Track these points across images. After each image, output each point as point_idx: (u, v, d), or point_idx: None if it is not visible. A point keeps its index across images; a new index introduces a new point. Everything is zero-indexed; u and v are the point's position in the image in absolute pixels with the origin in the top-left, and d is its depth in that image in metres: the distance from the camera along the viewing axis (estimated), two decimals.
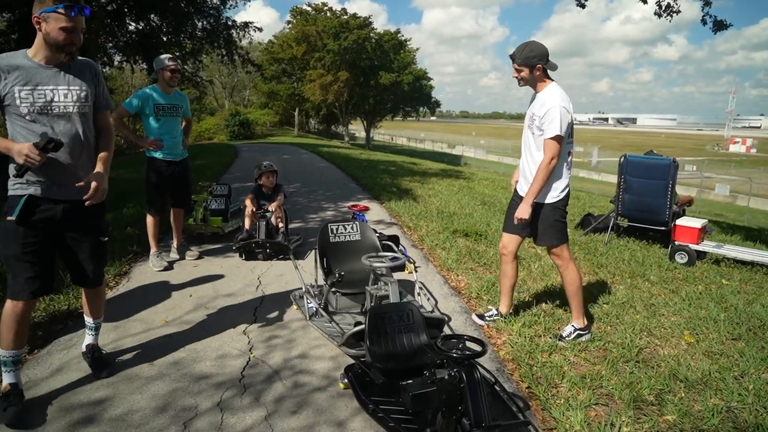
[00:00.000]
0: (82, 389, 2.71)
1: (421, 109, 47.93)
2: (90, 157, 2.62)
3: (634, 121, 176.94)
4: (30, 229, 2.45)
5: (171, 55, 4.63)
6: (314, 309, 3.43)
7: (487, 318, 3.71)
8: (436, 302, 3.37)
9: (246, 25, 20.12)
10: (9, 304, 2.48)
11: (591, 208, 9.18)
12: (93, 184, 2.49)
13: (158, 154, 4.68)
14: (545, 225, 3.38)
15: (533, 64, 3.21)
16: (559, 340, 3.37)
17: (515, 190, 3.60)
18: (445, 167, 19.06)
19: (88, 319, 2.93)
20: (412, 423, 2.28)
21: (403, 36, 42.83)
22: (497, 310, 3.76)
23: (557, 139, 3.15)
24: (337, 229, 3.89)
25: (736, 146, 56.26)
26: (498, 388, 2.51)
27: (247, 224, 5.19)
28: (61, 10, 2.32)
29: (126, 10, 17.08)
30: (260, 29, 20.85)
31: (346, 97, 39.46)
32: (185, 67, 20.21)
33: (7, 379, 2.51)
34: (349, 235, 3.90)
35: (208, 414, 2.51)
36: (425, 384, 2.27)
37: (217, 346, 3.23)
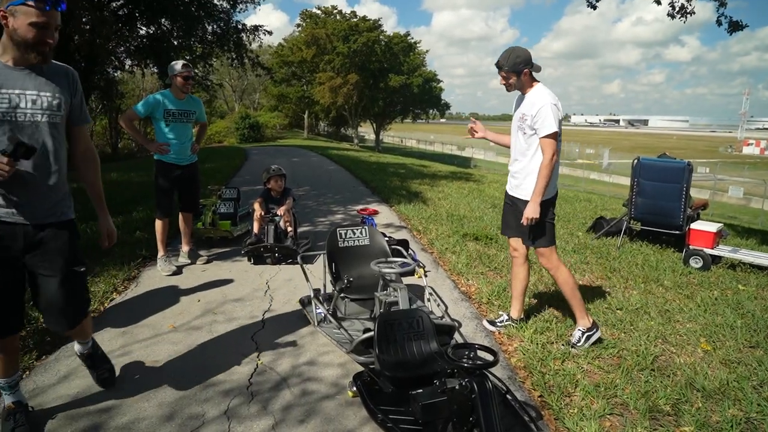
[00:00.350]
0: (89, 397, 2.69)
1: (431, 111, 47.90)
2: (60, 176, 2.27)
3: (645, 122, 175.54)
4: None
5: (184, 62, 4.63)
6: (323, 315, 3.39)
7: (498, 324, 3.65)
8: (447, 308, 3.32)
9: (256, 28, 20.24)
10: None
11: (603, 211, 9.08)
12: (105, 235, 2.47)
13: (165, 158, 4.67)
14: (535, 224, 3.34)
15: (520, 70, 3.24)
16: (572, 347, 3.31)
17: (506, 191, 3.59)
18: (455, 169, 18.98)
19: (77, 346, 2.71)
20: None
21: (412, 38, 42.94)
22: (508, 315, 3.70)
23: (554, 136, 3.18)
24: (346, 234, 3.86)
25: (750, 148, 55.59)
26: (510, 397, 2.45)
27: (255, 228, 5.18)
28: (31, 3, 2.01)
29: (137, 14, 17.24)
30: (270, 32, 20.96)
31: (355, 99, 39.52)
32: (195, 71, 20.38)
33: (10, 399, 2.41)
34: (358, 240, 3.87)
35: (215, 422, 2.48)
36: (435, 394, 2.22)
37: (225, 352, 3.20)
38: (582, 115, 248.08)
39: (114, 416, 2.52)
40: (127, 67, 20.04)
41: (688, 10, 9.28)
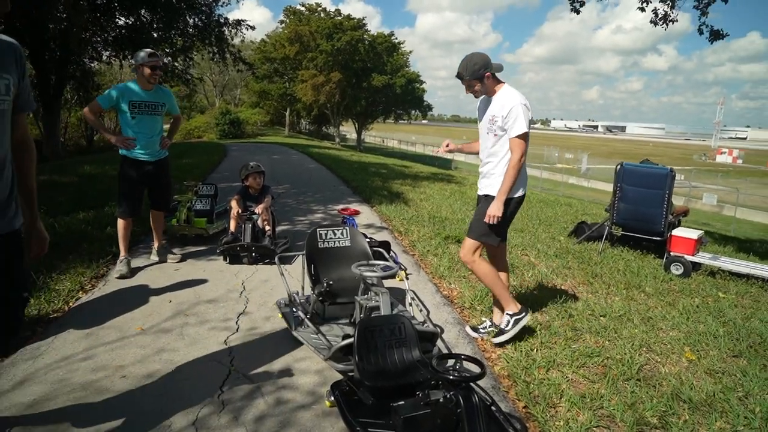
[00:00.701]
0: (47, 404, 2.50)
1: (413, 112, 47.88)
2: (5, 176, 1.82)
3: (623, 129, 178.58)
4: None
5: (151, 51, 4.32)
6: (300, 319, 3.25)
7: (481, 330, 3.55)
8: (429, 313, 3.21)
9: (238, 23, 19.94)
10: None
11: (583, 216, 9.09)
12: (34, 242, 2.00)
13: (132, 153, 4.41)
14: (480, 216, 3.31)
15: (481, 75, 3.22)
16: (501, 333, 3.32)
17: (478, 194, 3.52)
18: (437, 171, 18.94)
19: None
20: None
21: (396, 39, 42.82)
22: (491, 321, 3.61)
23: (524, 136, 3.15)
24: (326, 235, 3.72)
25: (723, 156, 56.81)
26: (494, 409, 2.35)
27: (232, 226, 5.00)
28: None
29: (116, 4, 16.79)
30: (253, 27, 20.68)
31: (338, 98, 39.26)
32: (175, 63, 19.96)
33: None
34: (339, 241, 3.73)
35: None
36: (418, 406, 2.10)
37: (196, 357, 3.04)
38: (562, 120, 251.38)
39: (73, 426, 2.34)
40: (104, 57, 19.52)
41: (670, 18, 9.38)
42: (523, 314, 3.34)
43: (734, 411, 2.71)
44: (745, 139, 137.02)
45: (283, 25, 43.02)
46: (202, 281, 4.37)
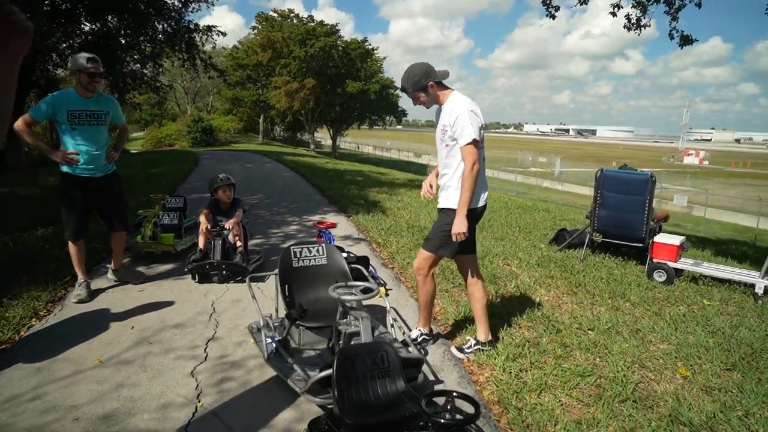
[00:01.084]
0: None
1: (388, 117, 47.76)
2: None
3: (593, 132, 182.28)
4: None
5: (90, 56, 3.89)
6: (273, 346, 3.01)
7: (466, 351, 3.36)
8: (413, 340, 3.00)
9: (209, 29, 19.54)
10: None
11: (562, 221, 9.03)
12: None
13: (73, 170, 3.99)
14: (438, 230, 3.21)
15: (424, 85, 3.10)
16: (411, 341, 3.23)
17: (438, 207, 3.38)
18: (413, 177, 18.80)
19: None
20: None
21: (370, 45, 42.63)
22: (476, 339, 3.42)
23: (474, 143, 3.02)
24: (300, 252, 3.48)
25: (690, 158, 58.27)
26: None
27: (201, 243, 4.72)
28: None
29: (81, 9, 16.24)
30: (224, 33, 20.30)
31: (312, 104, 38.90)
32: (144, 71, 19.43)
33: None
34: (315, 259, 3.50)
35: None
36: None
37: (159, 392, 2.77)
38: (534, 124, 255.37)
39: None
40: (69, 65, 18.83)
41: (642, 23, 9.43)
42: (431, 338, 3.49)
43: None
44: (710, 140, 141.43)
45: (255, 31, 42.50)
46: (169, 303, 4.08)
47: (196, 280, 4.57)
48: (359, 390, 2.34)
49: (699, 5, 8.74)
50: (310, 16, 41.14)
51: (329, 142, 49.10)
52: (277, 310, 3.46)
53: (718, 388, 3.05)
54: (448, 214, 3.18)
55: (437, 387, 2.92)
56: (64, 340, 3.38)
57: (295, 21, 40.90)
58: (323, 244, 3.59)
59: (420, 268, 3.34)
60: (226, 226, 4.74)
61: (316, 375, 2.47)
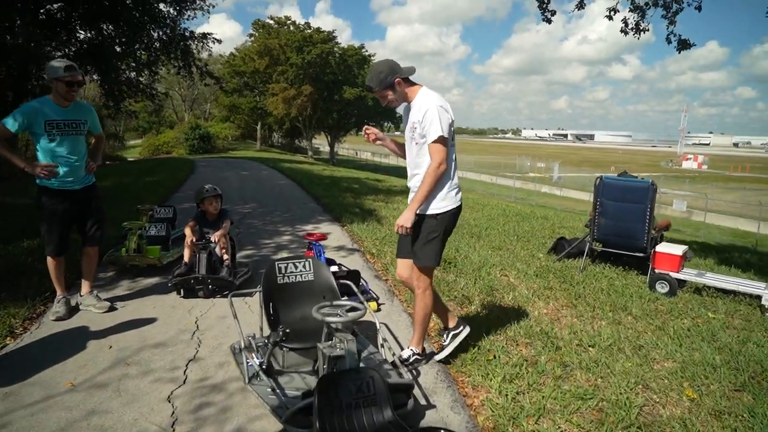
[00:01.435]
0: None
1: (386, 124, 47.71)
2: None
3: (591, 137, 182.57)
4: None
5: (69, 63, 3.71)
6: (255, 369, 2.83)
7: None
8: (404, 360, 2.83)
9: (204, 36, 19.46)
10: None
11: (561, 229, 8.87)
12: None
13: (52, 183, 3.79)
14: (423, 241, 3.06)
15: (390, 82, 2.99)
16: (402, 362, 3.13)
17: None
18: None
19: None
20: None
21: (367, 51, 42.66)
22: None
23: (441, 140, 2.88)
24: (286, 268, 3.31)
25: (689, 162, 58.19)
26: None
27: (186, 256, 4.55)
28: None
29: (75, 17, 16.14)
30: (219, 41, 20.21)
31: (309, 111, 38.85)
32: (140, 78, 19.32)
33: None
34: (301, 275, 3.33)
35: None
36: None
37: (132, 420, 2.60)
38: (532, 129, 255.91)
39: None
40: None
41: (641, 27, 9.32)
42: (423, 359, 3.30)
43: None
44: (708, 144, 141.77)
45: (253, 38, 42.50)
46: (151, 320, 3.91)
47: (181, 294, 4.40)
48: (342, 420, 2.17)
49: (699, 8, 8.63)
50: (307, 23, 41.20)
51: (327, 148, 49.04)
52: (261, 329, 3.29)
53: (728, 412, 2.87)
54: (427, 220, 3.05)
55: (426, 419, 2.73)
56: (37, 361, 3.20)
57: (291, 28, 40.92)
58: (310, 259, 3.42)
59: (419, 285, 3.16)
60: (212, 238, 4.57)
61: (296, 405, 2.30)
